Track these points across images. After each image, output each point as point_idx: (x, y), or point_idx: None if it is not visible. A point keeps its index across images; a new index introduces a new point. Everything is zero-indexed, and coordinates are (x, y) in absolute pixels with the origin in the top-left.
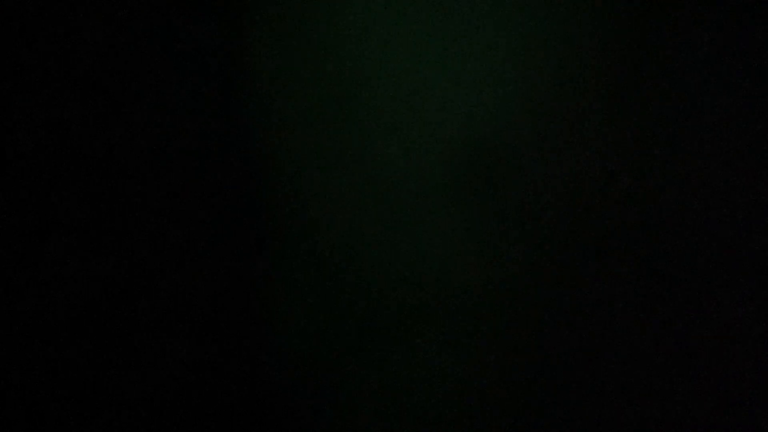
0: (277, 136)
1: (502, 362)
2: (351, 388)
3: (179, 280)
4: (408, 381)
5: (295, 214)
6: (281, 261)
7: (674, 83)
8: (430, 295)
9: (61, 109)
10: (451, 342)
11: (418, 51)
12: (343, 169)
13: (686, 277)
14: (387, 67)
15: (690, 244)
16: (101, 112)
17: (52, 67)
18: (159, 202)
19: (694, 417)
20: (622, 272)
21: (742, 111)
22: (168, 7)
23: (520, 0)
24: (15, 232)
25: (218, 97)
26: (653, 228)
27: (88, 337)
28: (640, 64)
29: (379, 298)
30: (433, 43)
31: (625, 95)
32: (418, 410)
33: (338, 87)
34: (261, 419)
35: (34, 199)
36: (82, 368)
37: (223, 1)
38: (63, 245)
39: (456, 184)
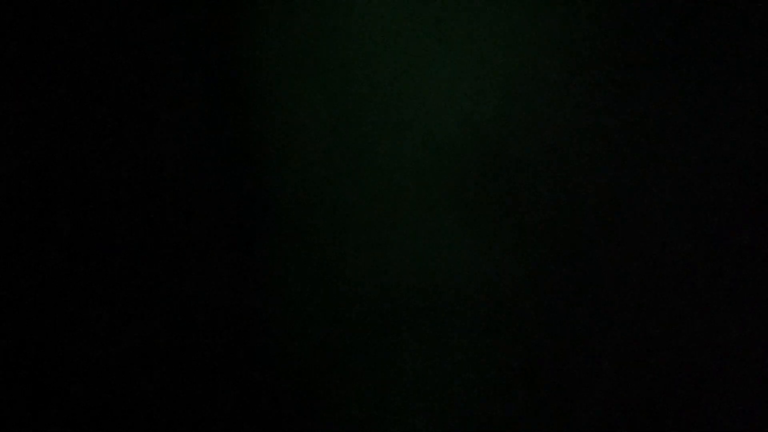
0: (278, 136)
1: (504, 362)
2: (351, 388)
3: (177, 279)
4: (409, 380)
5: (295, 212)
6: (280, 260)
7: (680, 83)
8: (432, 295)
9: (59, 108)
10: (453, 342)
11: (422, 50)
12: (344, 169)
13: (689, 278)
14: (389, 66)
15: (693, 245)
16: (100, 111)
17: (51, 67)
18: (158, 201)
19: (693, 417)
20: (625, 272)
21: (746, 112)
22: (169, 5)
23: (523, 3)
24: (14, 232)
25: (218, 95)
26: (656, 228)
27: (86, 337)
28: (645, 63)
29: (380, 297)
30: (437, 43)
31: (629, 95)
32: (419, 410)
33: (340, 86)
34: (260, 418)
35: (31, 199)
36: (80, 367)
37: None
38: (61, 245)
39: (458, 184)
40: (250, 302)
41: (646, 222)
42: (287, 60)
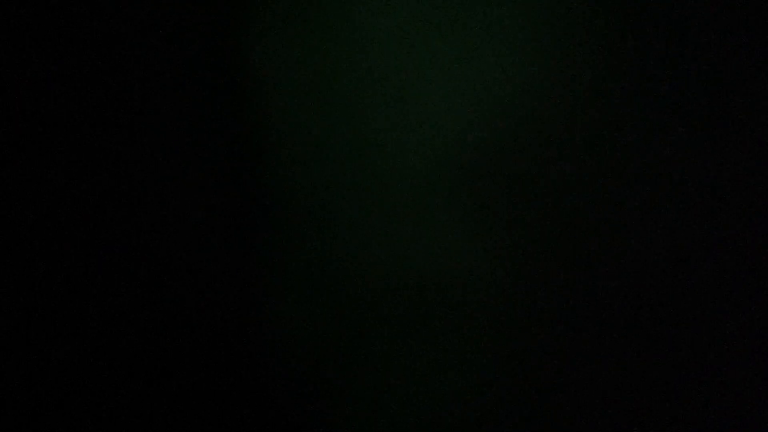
0: (278, 136)
1: (505, 362)
2: (352, 389)
3: (178, 280)
4: (410, 381)
5: (297, 212)
6: (282, 259)
7: (680, 83)
8: (432, 296)
9: (58, 107)
10: (454, 342)
11: (422, 50)
12: (345, 168)
13: (689, 277)
14: (389, 66)
15: (692, 245)
16: (97, 109)
17: (49, 66)
18: (158, 201)
19: (693, 417)
20: (626, 272)
21: (746, 112)
22: (168, 4)
23: (524, 1)
24: (15, 230)
25: (219, 95)
26: (658, 229)
27: (86, 337)
28: (647, 63)
29: (381, 297)
30: (437, 43)
31: (631, 96)
32: (421, 410)
33: (340, 86)
34: (263, 418)
35: (31, 196)
36: (79, 368)
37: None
38: (60, 244)
39: (462, 183)
40: (252, 302)
41: (648, 223)
42: (288, 59)
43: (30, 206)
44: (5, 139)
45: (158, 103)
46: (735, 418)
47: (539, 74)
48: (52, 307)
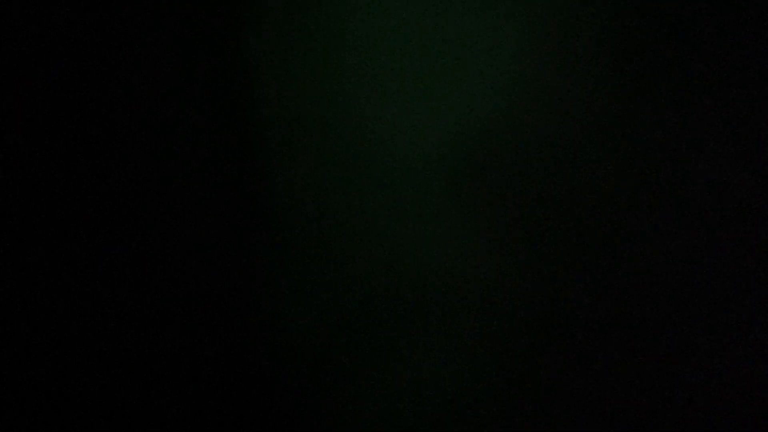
0: (277, 136)
1: (507, 362)
2: (350, 387)
3: (178, 280)
4: (408, 380)
5: (298, 212)
6: (283, 259)
7: (682, 83)
8: (431, 295)
9: (59, 106)
10: (453, 342)
11: (422, 50)
12: (345, 167)
13: (688, 278)
14: (390, 66)
15: (692, 245)
16: (98, 109)
17: (49, 65)
18: (158, 201)
19: (693, 417)
20: (627, 270)
21: (746, 112)
22: (167, 3)
23: (524, 1)
24: (15, 230)
25: (220, 95)
26: (655, 228)
27: (86, 337)
28: (647, 63)
29: (380, 297)
30: (438, 42)
31: (629, 95)
32: (419, 410)
33: (339, 85)
34: (261, 418)
35: (31, 197)
36: (80, 367)
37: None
38: (61, 245)
39: (457, 183)
40: (253, 302)
41: (645, 222)
42: (288, 58)
43: (29, 206)
44: (4, 138)
45: (157, 102)
46: (735, 418)
47: (539, 73)
48: (52, 309)
